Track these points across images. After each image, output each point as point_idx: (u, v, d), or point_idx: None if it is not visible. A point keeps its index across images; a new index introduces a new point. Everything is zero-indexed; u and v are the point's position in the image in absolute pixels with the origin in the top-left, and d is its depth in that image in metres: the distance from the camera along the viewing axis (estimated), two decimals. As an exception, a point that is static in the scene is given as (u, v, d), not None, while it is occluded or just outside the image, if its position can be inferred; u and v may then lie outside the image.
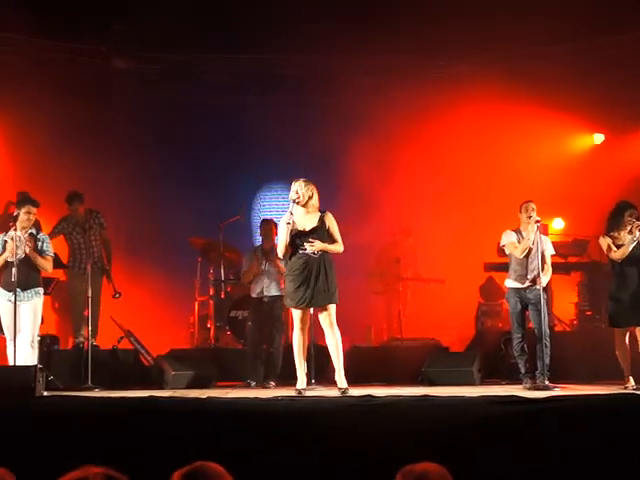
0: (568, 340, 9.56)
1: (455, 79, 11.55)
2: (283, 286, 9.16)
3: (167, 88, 11.98)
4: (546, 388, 7.66)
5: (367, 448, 4.41)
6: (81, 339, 9.20)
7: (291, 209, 7.28)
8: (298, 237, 7.25)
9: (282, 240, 7.27)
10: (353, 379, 9.19)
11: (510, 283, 8.24)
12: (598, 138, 12.45)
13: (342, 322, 7.90)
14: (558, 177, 11.91)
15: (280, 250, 7.36)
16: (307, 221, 7.31)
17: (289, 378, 8.81)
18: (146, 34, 10.84)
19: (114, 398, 6.51)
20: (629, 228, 7.98)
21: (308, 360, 8.42)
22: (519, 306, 8.15)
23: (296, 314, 7.34)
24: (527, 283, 8.08)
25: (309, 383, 8.28)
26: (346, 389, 7.25)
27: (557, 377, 8.05)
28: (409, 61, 11.90)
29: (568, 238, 11.05)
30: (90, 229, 9.44)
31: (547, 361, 7.93)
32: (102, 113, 11.67)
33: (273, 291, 9.13)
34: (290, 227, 7.19)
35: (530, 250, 8.10)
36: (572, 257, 10.66)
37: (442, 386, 8.12)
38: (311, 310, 7.42)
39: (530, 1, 10.44)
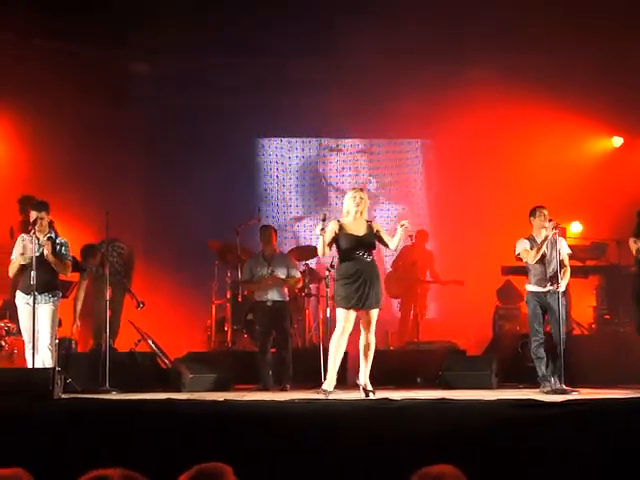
0: (586, 344, 9.53)
1: (472, 83, 11.51)
2: (286, 291, 9.31)
3: (184, 92, 12.02)
4: (563, 392, 7.63)
5: (384, 451, 4.41)
6: (100, 342, 9.25)
7: (345, 216, 7.52)
8: (352, 242, 7.41)
9: (321, 247, 7.39)
10: (370, 382, 9.23)
11: (531, 287, 8.23)
12: (617, 141, 12.42)
13: (358, 327, 7.92)
14: (576, 180, 11.89)
15: (320, 253, 7.49)
16: (358, 227, 7.50)
17: (302, 381, 8.85)
18: (163, 38, 10.88)
19: (132, 401, 6.55)
20: None
21: (325, 363, 8.45)
22: (539, 310, 8.13)
23: (343, 316, 7.38)
24: (548, 287, 8.06)
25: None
26: (372, 391, 7.34)
27: (575, 381, 8.02)
28: (422, 64, 11.88)
29: (586, 242, 11.01)
30: (113, 248, 9.48)
31: (562, 365, 7.90)
32: (120, 117, 11.73)
33: (276, 296, 9.18)
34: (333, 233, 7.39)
35: (545, 254, 8.08)
36: (590, 261, 10.62)
37: (459, 389, 8.11)
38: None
39: (549, 5, 10.39)
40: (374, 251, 7.58)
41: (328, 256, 7.83)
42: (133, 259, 9.93)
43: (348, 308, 7.36)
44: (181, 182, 12.02)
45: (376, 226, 7.66)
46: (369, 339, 7.45)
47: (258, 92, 12.03)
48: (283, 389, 8.81)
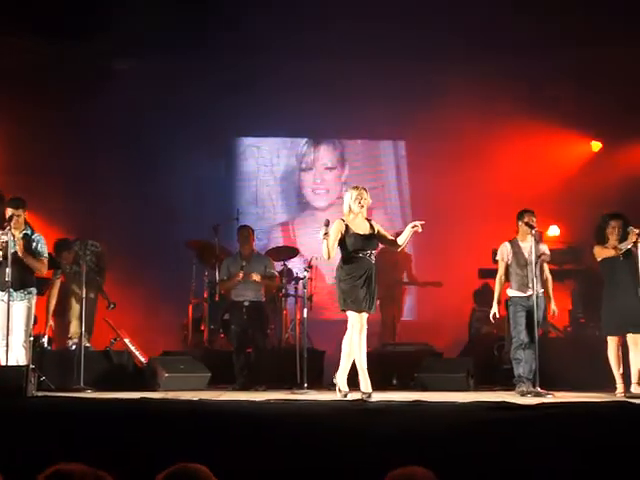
0: (561, 347, 9.58)
1: (454, 86, 11.55)
2: (262, 291, 9.31)
3: (164, 90, 11.98)
4: (538, 394, 7.68)
5: (358, 452, 4.42)
6: (75, 340, 9.21)
7: (347, 215, 7.42)
8: (359, 242, 7.35)
9: (327, 249, 7.30)
10: (348, 384, 9.24)
11: (512, 292, 8.27)
12: (595, 146, 12.51)
13: (335, 327, 7.93)
14: (555, 184, 11.97)
15: (327, 252, 7.35)
16: (362, 226, 7.43)
17: (278, 381, 8.85)
18: (144, 35, 10.84)
19: (106, 399, 6.52)
20: (615, 240, 8.03)
21: (301, 363, 8.47)
22: (519, 313, 8.17)
23: (355, 317, 7.33)
24: (528, 292, 8.11)
25: (301, 387, 8.31)
26: (371, 394, 7.26)
27: (550, 384, 8.07)
28: (406, 67, 11.92)
29: (563, 245, 11.09)
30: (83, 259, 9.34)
31: (536, 367, 7.95)
32: (99, 114, 11.67)
33: (253, 296, 9.19)
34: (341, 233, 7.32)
35: (525, 259, 8.14)
36: (567, 264, 10.69)
37: (435, 392, 8.14)
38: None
39: (531, 9, 10.44)
40: (375, 249, 7.50)
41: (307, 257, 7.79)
42: (106, 258, 9.83)
43: (359, 311, 7.32)
44: (160, 180, 11.99)
45: (376, 225, 7.55)
46: (363, 340, 7.38)
47: (240, 91, 12.00)
48: (259, 389, 8.80)
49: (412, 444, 4.44)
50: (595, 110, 11.69)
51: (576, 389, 8.25)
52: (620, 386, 8.01)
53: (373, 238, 7.42)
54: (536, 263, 8.03)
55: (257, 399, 6.41)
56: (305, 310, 8.81)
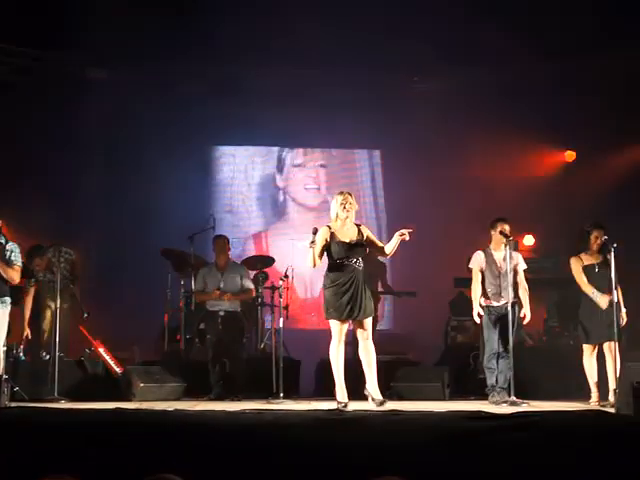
0: (536, 356, 9.62)
1: (427, 95, 11.61)
2: (238, 301, 9.27)
3: (141, 98, 11.95)
4: (514, 404, 7.70)
5: (335, 461, 4.41)
6: (49, 350, 9.12)
7: (333, 221, 7.35)
8: (344, 249, 7.28)
9: (312, 258, 7.23)
10: (321, 393, 9.26)
11: (484, 301, 8.29)
12: (570, 156, 12.62)
13: (310, 337, 7.91)
14: (530, 194, 12.05)
15: (312, 264, 7.30)
16: (349, 233, 7.35)
17: (254, 391, 8.83)
18: (121, 44, 10.82)
19: (80, 409, 6.45)
20: (596, 248, 8.14)
21: (277, 373, 8.45)
22: (490, 322, 8.20)
23: (336, 326, 7.30)
24: (502, 301, 8.15)
25: (277, 397, 8.29)
26: (383, 401, 7.19)
27: (524, 393, 8.10)
28: (380, 77, 11.97)
29: (538, 255, 11.15)
30: (61, 252, 9.23)
31: (511, 377, 7.98)
32: (75, 122, 11.62)
33: (229, 306, 9.17)
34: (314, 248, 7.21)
35: (500, 268, 8.18)
36: (541, 273, 10.74)
37: (411, 401, 8.15)
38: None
39: (501, 23, 10.52)
40: (363, 258, 7.42)
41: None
42: (79, 266, 9.73)
43: (341, 320, 7.27)
44: (136, 189, 11.95)
45: (365, 230, 7.45)
46: (367, 347, 7.31)
47: (216, 100, 11.99)
48: (234, 399, 8.77)
49: (389, 454, 4.43)
50: (569, 120, 11.78)
51: (551, 398, 8.29)
52: (595, 395, 8.08)
53: (360, 245, 7.33)
54: (510, 272, 8.08)
55: (233, 409, 6.38)
56: (281, 319, 8.80)
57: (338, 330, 7.29)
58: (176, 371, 9.15)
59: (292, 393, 8.98)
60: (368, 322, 7.33)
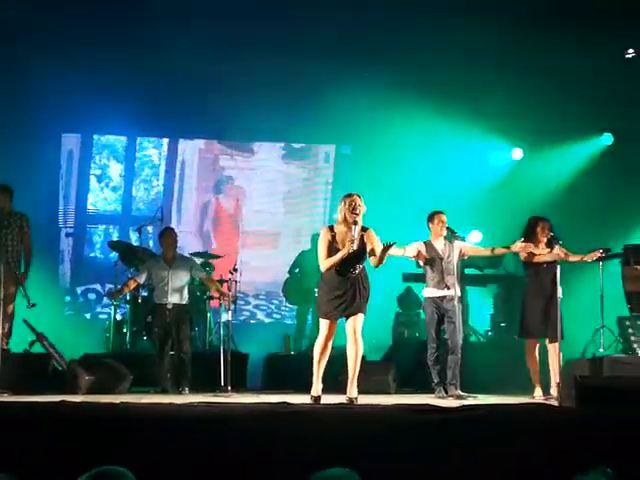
0: (481, 351, 9.76)
1: (375, 89, 11.62)
2: (186, 294, 9.21)
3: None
4: (459, 397, 7.79)
5: (281, 454, 4.42)
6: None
7: (355, 233, 7.00)
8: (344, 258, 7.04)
9: (334, 262, 7.02)
10: (269, 386, 9.26)
11: (428, 292, 8.34)
12: (517, 153, 12.77)
13: (259, 331, 7.88)
14: (476, 189, 12.17)
15: (327, 269, 7.08)
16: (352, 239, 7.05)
17: (202, 384, 8.81)
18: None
19: (23, 402, 6.36)
20: (545, 241, 8.22)
21: (225, 366, 8.43)
22: (435, 317, 8.26)
23: (324, 324, 7.16)
24: (445, 291, 8.20)
25: (225, 390, 8.27)
26: (355, 399, 7.15)
27: (469, 387, 8.20)
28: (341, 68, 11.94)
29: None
30: (8, 227, 9.06)
31: (458, 371, 8.07)
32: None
33: (177, 299, 9.10)
34: (351, 249, 6.96)
35: (442, 258, 8.24)
36: (488, 269, 10.88)
37: (358, 395, 8.16)
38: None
39: (454, 19, 10.60)
40: (363, 263, 7.15)
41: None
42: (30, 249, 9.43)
43: (329, 318, 7.17)
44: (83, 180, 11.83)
45: (371, 237, 7.10)
46: (352, 343, 7.17)
47: (169, 93, 11.88)
48: (182, 392, 8.74)
49: (336, 446, 4.46)
50: (517, 118, 11.91)
51: (497, 392, 8.40)
52: (538, 389, 8.20)
53: (361, 253, 7.07)
54: (457, 264, 8.15)
55: (180, 402, 6.35)
56: (230, 313, 8.76)
57: (326, 328, 7.15)
58: (122, 364, 9.05)
59: (240, 386, 8.96)
60: (358, 318, 7.16)
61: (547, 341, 8.17)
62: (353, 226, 6.98)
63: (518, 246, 8.13)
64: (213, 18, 10.52)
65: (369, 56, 11.26)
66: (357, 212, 7.02)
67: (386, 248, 6.99)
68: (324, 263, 7.07)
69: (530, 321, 8.28)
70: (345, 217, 7.05)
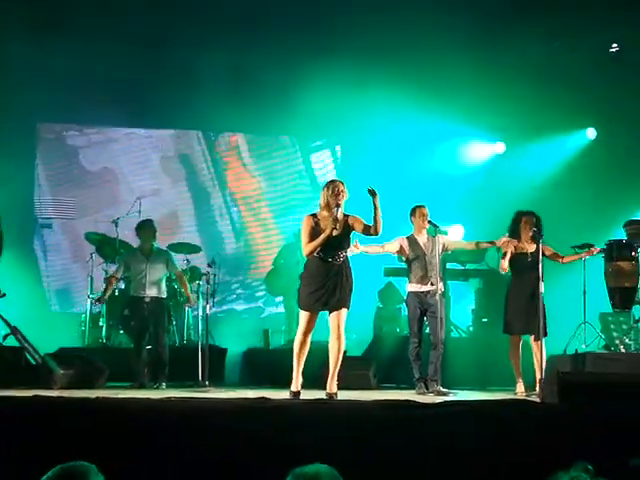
0: (463, 346, 9.77)
1: (358, 81, 11.61)
2: (164, 287, 9.19)
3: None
4: (440, 393, 7.80)
5: (260, 450, 4.41)
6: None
7: (338, 215, 7.02)
8: (325, 243, 7.02)
9: (317, 244, 7.01)
10: (247, 381, 9.25)
11: (411, 287, 8.35)
12: (499, 147, 12.81)
13: (237, 325, 7.82)
14: (458, 183, 12.20)
15: (310, 252, 7.08)
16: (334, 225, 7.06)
17: (179, 379, 8.79)
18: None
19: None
20: (529, 235, 8.20)
21: (203, 361, 8.41)
22: (418, 311, 8.26)
23: (304, 317, 7.11)
24: (428, 286, 8.21)
25: (203, 385, 8.25)
26: (335, 394, 7.13)
27: (450, 383, 8.21)
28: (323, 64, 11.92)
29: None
30: None
31: (440, 367, 8.08)
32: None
33: (154, 292, 9.07)
34: (333, 232, 6.97)
35: (425, 253, 8.25)
36: (470, 264, 10.89)
37: (338, 390, 8.17)
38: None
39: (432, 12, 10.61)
40: (346, 251, 7.15)
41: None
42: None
43: (307, 310, 7.11)
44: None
45: (353, 219, 7.11)
46: (334, 339, 7.14)
47: (138, 82, 11.81)
48: (159, 387, 8.72)
49: (315, 443, 4.45)
50: (499, 111, 11.94)
51: (478, 388, 8.42)
52: (520, 384, 8.22)
53: (344, 239, 7.10)
54: (439, 258, 8.16)
55: (157, 397, 6.33)
56: (208, 306, 8.74)
57: (306, 320, 7.11)
58: (98, 358, 9.01)
59: (218, 381, 8.94)
60: (341, 313, 7.12)
61: (531, 339, 8.18)
62: (335, 209, 7.01)
63: (502, 241, 8.16)
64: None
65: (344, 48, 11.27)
66: (340, 197, 7.05)
67: (372, 193, 6.97)
68: (307, 247, 7.08)
69: (513, 318, 8.29)
70: (328, 202, 7.08)
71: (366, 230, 7.12)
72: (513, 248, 8.25)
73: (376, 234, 7.10)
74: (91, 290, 10.58)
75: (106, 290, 9.38)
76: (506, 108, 11.76)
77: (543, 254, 8.01)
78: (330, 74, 10.87)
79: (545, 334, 7.99)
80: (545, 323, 7.97)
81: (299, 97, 11.02)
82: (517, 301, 8.28)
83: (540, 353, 7.99)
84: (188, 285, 9.40)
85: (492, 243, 8.46)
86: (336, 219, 7.01)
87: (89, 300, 10.45)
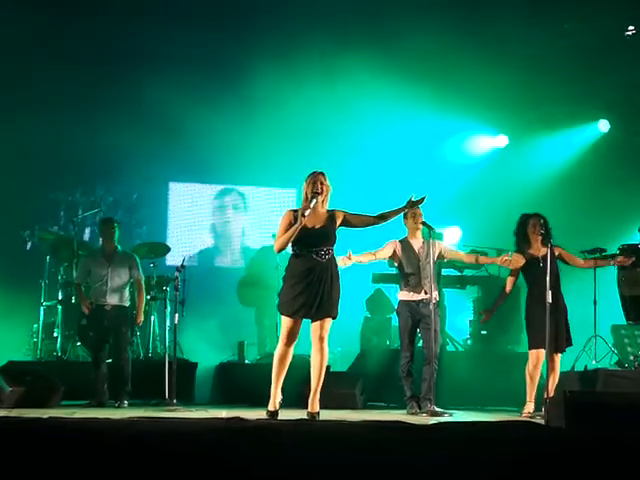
0: (459, 361, 9.75)
1: (354, 75, 11.66)
2: (127, 294, 9.18)
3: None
4: (434, 414, 7.80)
5: (235, 472, 4.38)
6: None
7: (312, 204, 7.04)
8: (307, 237, 7.04)
9: (288, 235, 7.04)
10: (219, 399, 9.24)
11: (403, 295, 8.34)
12: (501, 140, 12.87)
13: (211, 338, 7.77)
14: (456, 183, 12.24)
15: (281, 245, 7.13)
16: (317, 219, 7.11)
17: (143, 396, 8.76)
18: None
19: (-62, 416, 6.28)
20: (540, 239, 8.15)
21: (170, 376, 8.38)
22: (410, 322, 8.25)
23: (287, 324, 7.06)
24: (422, 294, 8.20)
25: (170, 403, 8.22)
26: (317, 414, 7.09)
27: (446, 402, 8.22)
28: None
29: (465, 249, 11.28)
30: None
31: (434, 384, 8.05)
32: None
33: (116, 300, 9.03)
34: (303, 221, 7.00)
35: (419, 259, 8.25)
36: (468, 270, 10.88)
37: (322, 409, 8.15)
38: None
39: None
40: (332, 248, 7.15)
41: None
42: None
43: (290, 316, 7.05)
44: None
45: (340, 214, 7.20)
46: (317, 350, 7.12)
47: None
48: (120, 405, 8.68)
49: (295, 467, 4.43)
50: (501, 103, 11.99)
51: (477, 408, 8.42)
52: (531, 405, 8.09)
53: (328, 233, 7.13)
54: (434, 263, 8.16)
55: (118, 417, 6.30)
56: (176, 316, 8.70)
57: (287, 328, 7.06)
58: (52, 373, 8.96)
59: (187, 399, 8.91)
60: (326, 322, 7.10)
61: (554, 351, 8.02)
62: (312, 200, 7.07)
63: (504, 259, 8.10)
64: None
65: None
66: (318, 188, 7.13)
67: (414, 203, 7.21)
68: (278, 240, 7.12)
69: (540, 331, 7.91)
70: (306, 194, 7.18)
71: (366, 220, 7.27)
72: (518, 263, 8.21)
73: (376, 224, 7.28)
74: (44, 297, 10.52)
75: (81, 297, 9.28)
76: (508, 100, 11.82)
77: (558, 257, 8.00)
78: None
79: (569, 344, 7.97)
80: (569, 330, 7.95)
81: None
82: (541, 312, 7.87)
83: (556, 372, 7.92)
84: (144, 298, 9.37)
85: (494, 260, 8.46)
86: (308, 208, 7.02)
87: (42, 308, 10.39)
